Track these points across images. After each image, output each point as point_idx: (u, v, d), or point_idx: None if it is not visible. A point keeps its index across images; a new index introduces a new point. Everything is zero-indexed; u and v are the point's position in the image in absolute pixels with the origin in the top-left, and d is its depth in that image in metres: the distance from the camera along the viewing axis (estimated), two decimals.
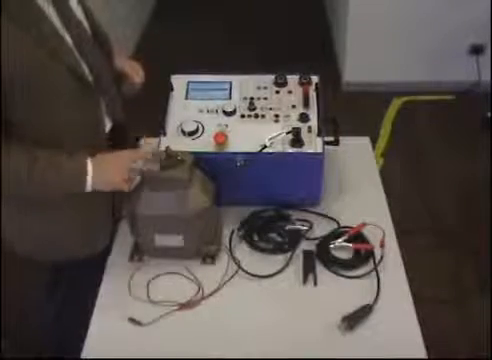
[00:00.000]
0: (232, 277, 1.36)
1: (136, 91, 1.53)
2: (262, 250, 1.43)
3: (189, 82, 1.56)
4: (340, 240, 1.41)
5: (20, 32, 1.08)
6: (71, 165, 1.21)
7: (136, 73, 1.50)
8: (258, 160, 1.38)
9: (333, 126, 1.53)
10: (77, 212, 1.36)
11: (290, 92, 1.52)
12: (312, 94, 1.51)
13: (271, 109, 1.48)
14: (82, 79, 1.22)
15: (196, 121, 1.45)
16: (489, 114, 3.27)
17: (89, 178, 1.21)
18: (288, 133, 1.39)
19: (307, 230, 1.45)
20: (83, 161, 1.22)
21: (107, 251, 1.44)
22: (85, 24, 1.29)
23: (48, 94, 1.17)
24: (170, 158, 1.29)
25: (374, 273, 1.35)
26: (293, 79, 1.55)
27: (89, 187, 1.23)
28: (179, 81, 1.56)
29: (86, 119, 1.28)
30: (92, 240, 1.42)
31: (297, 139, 1.39)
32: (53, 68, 1.15)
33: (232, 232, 1.46)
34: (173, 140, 1.42)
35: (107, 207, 1.43)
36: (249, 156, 1.38)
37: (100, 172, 1.23)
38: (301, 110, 1.47)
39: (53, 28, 1.16)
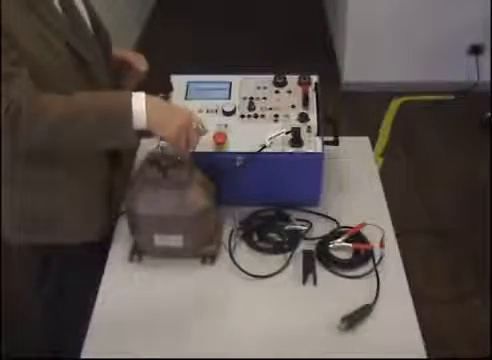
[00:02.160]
0: (231, 277, 1.36)
1: (140, 79, 1.54)
2: (262, 250, 1.43)
3: (189, 82, 1.56)
4: (340, 240, 1.41)
5: (28, 12, 1.14)
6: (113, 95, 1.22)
7: (139, 62, 1.52)
8: (258, 160, 1.38)
9: (333, 126, 1.53)
10: (76, 188, 1.37)
11: (289, 92, 1.52)
12: (312, 94, 1.51)
13: (271, 109, 1.48)
14: (84, 62, 1.26)
15: None
16: (489, 114, 3.27)
17: (139, 107, 1.17)
18: (288, 133, 1.39)
19: (307, 230, 1.45)
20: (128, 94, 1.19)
21: (103, 248, 1.44)
22: (86, 19, 1.33)
23: (54, 75, 1.20)
24: (170, 158, 1.29)
25: (374, 273, 1.35)
26: (292, 79, 1.55)
27: (138, 121, 1.17)
28: (179, 81, 1.56)
29: None
30: (90, 222, 1.43)
31: (297, 139, 1.39)
32: (58, 49, 1.20)
33: (232, 232, 1.46)
34: None
35: (106, 188, 1.44)
36: (249, 156, 1.38)
37: (156, 108, 1.20)
38: (300, 110, 1.47)
39: (57, 10, 1.22)
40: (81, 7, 1.33)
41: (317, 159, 1.40)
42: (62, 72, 1.22)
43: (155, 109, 1.20)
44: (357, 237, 1.42)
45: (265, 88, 1.54)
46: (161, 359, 1.20)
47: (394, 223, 1.49)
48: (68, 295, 1.55)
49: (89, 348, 1.23)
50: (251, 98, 1.50)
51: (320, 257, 1.39)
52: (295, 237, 1.44)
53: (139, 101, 1.19)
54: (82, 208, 1.41)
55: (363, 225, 1.44)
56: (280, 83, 1.54)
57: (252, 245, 1.44)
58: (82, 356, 1.21)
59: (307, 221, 1.48)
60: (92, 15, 1.38)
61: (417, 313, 1.27)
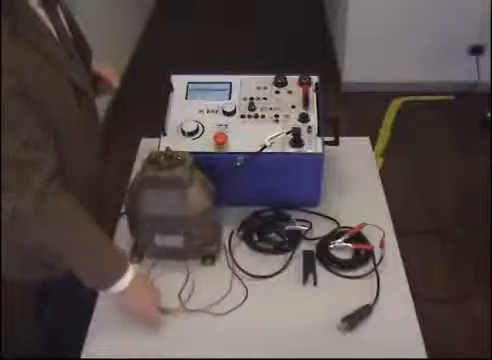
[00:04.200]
0: (232, 277, 1.36)
1: (111, 94, 1.55)
2: (262, 250, 1.43)
3: (189, 82, 1.56)
4: (340, 240, 1.41)
5: (30, 49, 1.07)
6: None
7: (113, 78, 1.52)
8: (258, 160, 1.38)
9: (333, 126, 1.53)
10: None
11: (290, 92, 1.52)
12: (312, 94, 1.51)
13: (271, 109, 1.48)
14: (80, 90, 1.22)
15: (196, 121, 1.45)
16: (489, 114, 3.27)
17: (126, 279, 1.21)
18: (288, 133, 1.39)
19: (307, 230, 1.45)
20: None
21: None
22: (68, 31, 1.27)
23: (56, 109, 1.16)
24: (170, 158, 1.29)
25: (374, 273, 1.35)
26: (293, 79, 1.55)
27: (119, 287, 1.20)
28: (179, 81, 1.56)
29: (86, 129, 1.28)
30: None
31: (297, 139, 1.39)
32: (58, 82, 1.15)
33: (232, 232, 1.46)
34: (173, 140, 1.42)
35: None
36: (249, 156, 1.38)
37: (138, 288, 1.22)
38: (301, 110, 1.47)
39: (56, 41, 1.17)
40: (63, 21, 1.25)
41: (317, 159, 1.40)
42: (62, 102, 1.19)
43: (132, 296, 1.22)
44: (357, 237, 1.42)
45: (265, 88, 1.54)
46: (161, 359, 1.20)
47: (394, 223, 1.49)
48: (67, 320, 1.54)
49: (89, 348, 1.23)
50: (251, 98, 1.50)
51: (320, 257, 1.39)
52: (295, 237, 1.44)
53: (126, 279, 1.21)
54: None
55: (363, 225, 1.44)
56: (280, 83, 1.54)
57: (252, 245, 1.44)
58: (82, 356, 1.22)
59: (307, 221, 1.48)
60: (73, 29, 1.30)
61: (417, 313, 1.27)
